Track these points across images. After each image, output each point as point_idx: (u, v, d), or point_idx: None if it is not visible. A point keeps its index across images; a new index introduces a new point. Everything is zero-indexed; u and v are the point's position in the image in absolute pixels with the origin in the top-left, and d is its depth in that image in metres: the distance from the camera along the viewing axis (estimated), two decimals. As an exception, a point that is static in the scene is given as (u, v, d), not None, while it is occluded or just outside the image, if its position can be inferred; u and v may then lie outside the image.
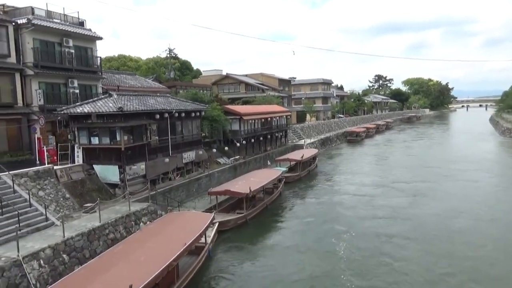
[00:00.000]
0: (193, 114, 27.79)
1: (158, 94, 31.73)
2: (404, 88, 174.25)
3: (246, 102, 54.69)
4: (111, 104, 21.66)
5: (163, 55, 76.69)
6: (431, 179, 34.81)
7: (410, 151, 54.46)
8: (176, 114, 25.65)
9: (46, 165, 20.17)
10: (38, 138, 24.45)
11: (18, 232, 15.19)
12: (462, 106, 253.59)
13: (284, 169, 31.20)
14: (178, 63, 75.83)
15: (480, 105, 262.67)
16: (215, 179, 29.56)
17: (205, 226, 15.54)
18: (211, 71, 73.82)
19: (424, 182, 33.71)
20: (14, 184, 17.35)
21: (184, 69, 77.37)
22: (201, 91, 46.05)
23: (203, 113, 29.76)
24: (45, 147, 22.23)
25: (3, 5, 28.28)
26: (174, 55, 76.63)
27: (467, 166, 39.75)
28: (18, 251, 13.23)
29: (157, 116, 23.93)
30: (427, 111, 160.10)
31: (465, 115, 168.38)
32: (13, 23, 25.01)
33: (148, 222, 18.98)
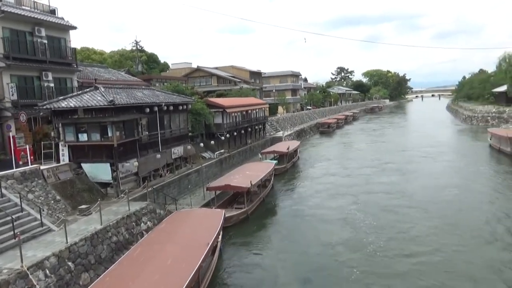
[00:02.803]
0: (180, 108, 26.62)
1: (136, 87, 30.15)
2: (364, 80, 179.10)
3: (220, 95, 53.52)
4: (99, 98, 20.16)
5: (129, 47, 73.60)
6: (413, 160, 37.66)
7: (384, 138, 56.62)
8: (165, 108, 24.43)
9: (32, 166, 18.45)
10: (13, 137, 22.42)
11: (14, 240, 13.81)
12: (416, 96, 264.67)
13: (275, 161, 30.79)
14: (145, 56, 73.03)
15: (433, 95, 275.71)
16: (203, 174, 28.63)
17: (220, 223, 14.81)
18: (180, 64, 71.87)
19: (407, 163, 36.23)
20: (1, 187, 15.70)
21: (151, 62, 74.61)
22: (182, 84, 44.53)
23: (189, 106, 28.64)
24: (27, 146, 20.36)
25: (-35, -9, 25.60)
26: (140, 48, 73.72)
27: (442, 149, 42.54)
28: (22, 261, 11.89)
29: (147, 110, 22.64)
30: (387, 101, 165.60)
31: (422, 104, 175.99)
32: (-21, 10, 22.66)
33: (150, 222, 17.95)
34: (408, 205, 23.56)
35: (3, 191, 15.69)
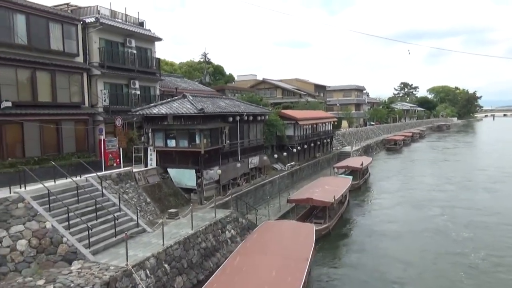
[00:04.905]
0: (258, 118, 26.77)
1: (217, 97, 30.90)
2: (429, 96, 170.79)
3: (286, 107, 53.40)
4: (188, 105, 20.76)
5: (196, 59, 76.42)
6: (497, 179, 35.50)
7: (459, 157, 53.78)
8: (246, 118, 24.67)
9: (126, 168, 19.34)
10: (104, 140, 23.76)
11: (115, 238, 14.38)
12: (486, 116, 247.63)
13: (350, 177, 29.86)
14: (212, 67, 75.34)
15: (505, 115, 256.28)
16: (276, 186, 28.45)
17: (314, 238, 14.37)
18: (246, 76, 73.17)
19: (492, 182, 34.29)
20: (102, 187, 16.53)
21: (218, 73, 76.77)
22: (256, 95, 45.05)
23: (266, 117, 28.73)
24: (116, 149, 21.43)
25: (67, 4, 27.91)
26: (208, 60, 76.25)
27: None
28: (127, 260, 12.27)
29: (230, 119, 22.95)
30: (455, 119, 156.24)
31: (494, 124, 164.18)
32: (81, 22, 24.48)
33: (233, 230, 17.96)
34: (505, 222, 22.19)
35: (104, 191, 16.49)
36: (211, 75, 73.83)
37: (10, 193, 13.72)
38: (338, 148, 49.61)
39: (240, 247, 14.41)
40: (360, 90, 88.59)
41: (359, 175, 33.46)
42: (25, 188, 14.17)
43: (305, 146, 36.67)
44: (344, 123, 71.12)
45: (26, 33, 20.31)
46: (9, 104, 18.68)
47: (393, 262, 17.59)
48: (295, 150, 33.97)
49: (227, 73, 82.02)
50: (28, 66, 20.23)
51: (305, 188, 24.61)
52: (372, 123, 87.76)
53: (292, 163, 33.26)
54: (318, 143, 41.04)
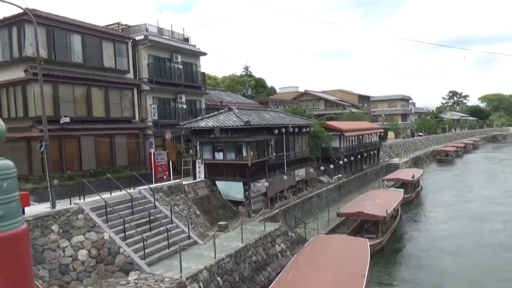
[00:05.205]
0: (304, 130, 26.40)
1: (262, 109, 30.92)
2: (481, 105, 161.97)
3: (330, 118, 52.57)
4: (235, 118, 20.83)
5: (238, 72, 77.59)
6: None
7: None
8: (291, 129, 24.39)
9: (176, 180, 19.61)
10: (154, 153, 24.34)
11: (168, 250, 14.46)
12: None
13: (402, 190, 28.56)
14: (254, 80, 76.11)
15: None
16: (324, 199, 27.74)
17: (368, 254, 13.71)
18: (288, 88, 73.16)
19: None
20: (155, 200, 16.80)
21: (259, 86, 77.40)
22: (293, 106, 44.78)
23: (311, 129, 28.30)
24: (165, 162, 21.85)
25: (118, 23, 29.29)
26: (249, 73, 77.18)
27: None
28: (181, 272, 12.24)
29: (276, 131, 22.77)
30: (511, 129, 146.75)
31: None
32: (131, 40, 25.49)
33: (283, 244, 17.57)
34: None
35: (156, 203, 16.75)
36: (253, 88, 74.57)
37: (70, 204, 14.24)
38: (386, 160, 47.90)
39: (293, 261, 14.01)
40: (406, 99, 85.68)
41: (410, 188, 31.95)
42: (84, 200, 14.66)
43: (352, 158, 35.70)
44: (391, 134, 68.81)
45: (82, 52, 21.42)
46: (67, 119, 19.62)
47: (454, 278, 16.48)
48: (341, 162, 33.11)
49: (269, 85, 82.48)
50: (84, 83, 21.26)
51: (355, 202, 23.77)
52: (420, 133, 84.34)
53: (339, 175, 32.41)
54: (365, 155, 39.84)
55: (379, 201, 22.67)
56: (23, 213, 13.44)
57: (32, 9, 16.45)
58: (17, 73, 19.25)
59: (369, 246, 14.96)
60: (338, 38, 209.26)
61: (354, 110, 61.57)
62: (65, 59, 20.51)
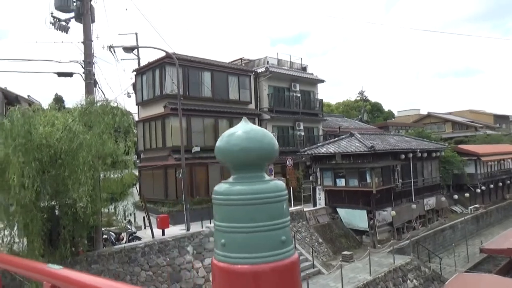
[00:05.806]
0: (433, 155, 24.24)
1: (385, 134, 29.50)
2: None
3: (459, 142, 47.50)
4: (357, 144, 20.19)
5: (353, 98, 76.09)
6: None
7: None
8: (419, 154, 22.60)
9: (298, 207, 19.66)
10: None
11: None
12: None
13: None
14: (369, 105, 73.66)
15: None
16: (458, 231, 24.69)
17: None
18: (408, 111, 68.97)
19: None
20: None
21: (375, 110, 74.52)
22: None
23: (442, 153, 25.84)
24: (289, 188, 22.07)
25: (241, 58, 31.47)
26: (365, 97, 75.07)
27: None
28: (308, 302, 11.96)
29: (402, 156, 21.34)
30: None
31: None
32: (254, 73, 27.03)
33: (416, 280, 15.99)
34: None
35: (279, 229, 16.93)
36: (369, 113, 72.07)
37: (202, 227, 15.27)
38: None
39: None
40: (556, 117, 72.81)
41: None
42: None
43: (491, 186, 31.36)
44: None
45: (211, 87, 23.47)
46: (198, 149, 21.46)
47: None
48: (478, 190, 29.30)
49: (385, 109, 78.85)
50: (212, 115, 23.13)
51: (502, 237, 20.47)
52: None
53: (476, 205, 28.67)
54: (508, 182, 34.64)
55: (534, 237, 19.13)
56: (163, 233, 14.90)
57: (173, 53, 18.71)
58: (158, 109, 21.93)
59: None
60: (463, 55, 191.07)
61: (489, 131, 54.60)
62: (197, 94, 22.70)
